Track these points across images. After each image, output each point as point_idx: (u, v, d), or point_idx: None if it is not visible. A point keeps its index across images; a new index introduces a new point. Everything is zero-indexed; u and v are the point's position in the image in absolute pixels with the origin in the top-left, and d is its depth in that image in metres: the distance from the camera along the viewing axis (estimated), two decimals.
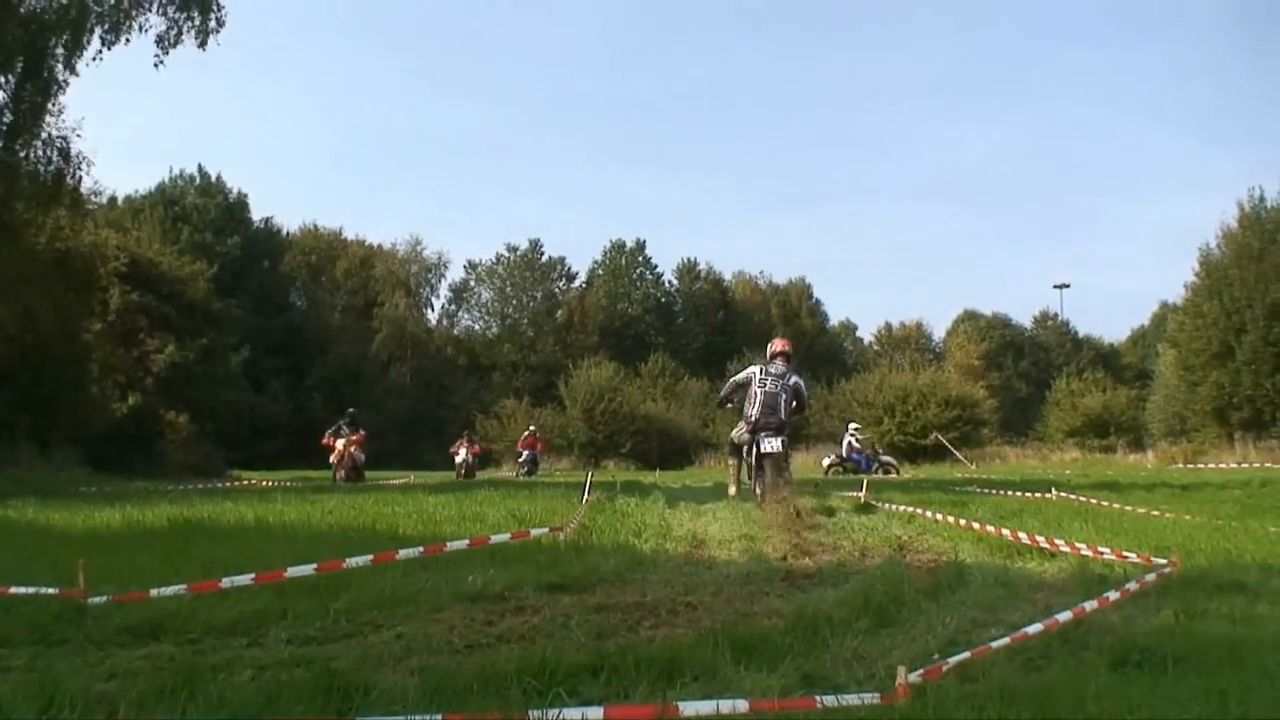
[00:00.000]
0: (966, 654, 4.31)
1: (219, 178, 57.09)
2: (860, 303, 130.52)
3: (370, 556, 6.26)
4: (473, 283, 62.64)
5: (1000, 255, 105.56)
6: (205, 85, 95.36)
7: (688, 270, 63.74)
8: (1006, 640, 4.53)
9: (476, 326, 62.68)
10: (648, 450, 41.25)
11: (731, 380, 12.37)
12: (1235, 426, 35.28)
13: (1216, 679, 4.19)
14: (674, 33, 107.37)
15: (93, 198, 27.20)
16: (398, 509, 11.34)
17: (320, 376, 52.88)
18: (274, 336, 52.08)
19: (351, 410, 25.25)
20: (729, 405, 12.56)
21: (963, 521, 9.40)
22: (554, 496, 12.71)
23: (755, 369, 11.70)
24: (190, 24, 21.06)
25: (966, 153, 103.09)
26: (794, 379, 11.61)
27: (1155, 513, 11.12)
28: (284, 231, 62.23)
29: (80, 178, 22.72)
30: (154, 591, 5.42)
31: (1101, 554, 7.32)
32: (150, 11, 20.83)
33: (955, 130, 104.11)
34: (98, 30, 20.73)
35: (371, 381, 54.51)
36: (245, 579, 5.60)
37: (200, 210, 54.35)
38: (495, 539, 7.41)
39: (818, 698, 3.71)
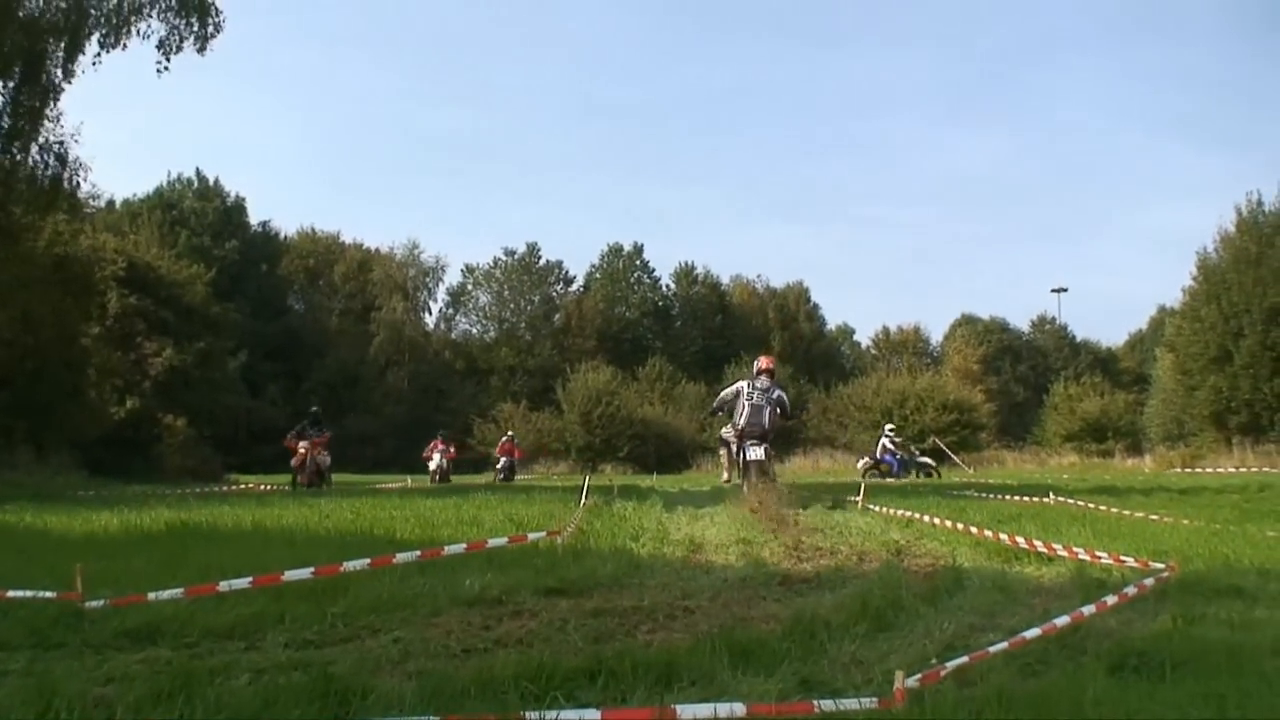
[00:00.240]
0: (964, 658, 4.31)
1: (217, 181, 57.11)
2: (858, 307, 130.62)
3: (367, 560, 6.26)
4: (470, 287, 62.59)
5: (997, 259, 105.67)
6: (203, 89, 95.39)
7: (685, 274, 63.72)
8: (1004, 645, 4.53)
9: (474, 330, 62.68)
10: (645, 454, 41.24)
11: (722, 394, 13.58)
12: (1233, 431, 35.32)
13: (1214, 684, 4.19)
14: (672, 38, 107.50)
15: (90, 202, 27.20)
16: (395, 513, 11.34)
17: (318, 380, 52.78)
18: (272, 340, 52.03)
19: (315, 409, 23.85)
20: (719, 414, 13.79)
21: (960, 526, 9.40)
22: (551, 501, 12.70)
23: (743, 384, 12.88)
24: (189, 29, 21.08)
25: (964, 157, 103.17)
26: (777, 392, 12.81)
27: (1153, 517, 11.13)
28: (282, 235, 62.21)
29: (78, 183, 22.73)
30: (151, 595, 5.41)
31: (1099, 558, 7.32)
32: (149, 17, 20.85)
33: (953, 135, 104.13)
34: (96, 35, 20.74)
35: (369, 386, 54.44)
36: (243, 583, 5.59)
37: (198, 214, 54.33)
38: (492, 543, 7.41)
39: (815, 702, 3.71)
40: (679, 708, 3.60)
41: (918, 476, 26.72)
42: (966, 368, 56.22)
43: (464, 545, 7.21)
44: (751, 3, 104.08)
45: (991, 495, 15.27)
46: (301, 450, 21.29)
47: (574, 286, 62.92)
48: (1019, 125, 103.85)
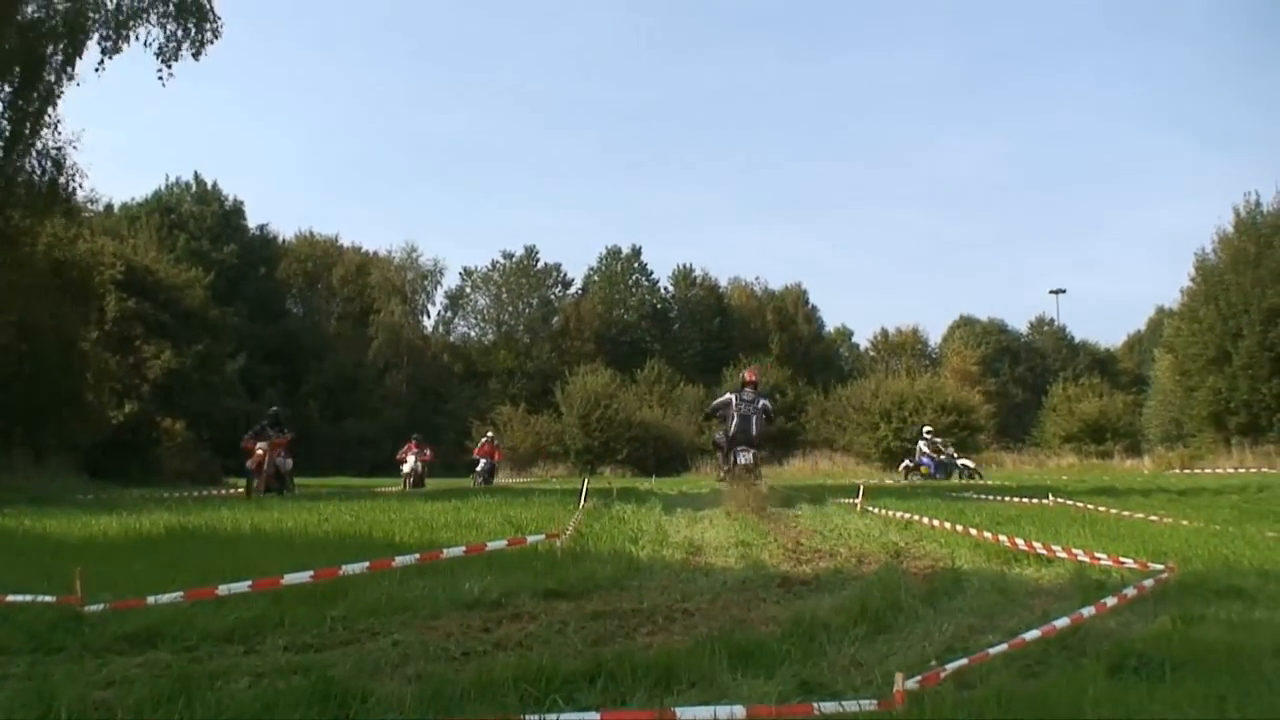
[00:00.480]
0: (964, 660, 4.32)
1: (215, 185, 57.05)
2: (856, 308, 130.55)
3: (366, 564, 6.26)
4: (468, 290, 62.54)
5: (996, 261, 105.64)
6: (201, 93, 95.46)
7: (683, 276, 63.67)
8: (1004, 646, 4.54)
9: (472, 333, 62.60)
10: (644, 457, 41.24)
11: (714, 403, 15.56)
12: (1232, 431, 35.33)
13: (1214, 684, 4.20)
14: (670, 40, 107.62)
15: (89, 206, 27.18)
16: (394, 516, 11.34)
17: (316, 384, 52.75)
18: (270, 344, 51.97)
19: (275, 409, 22.16)
20: (713, 419, 15.54)
21: (959, 528, 9.41)
22: (550, 503, 12.71)
23: (732, 395, 14.40)
24: (187, 35, 21.07)
25: (962, 158, 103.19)
26: (762, 402, 14.38)
27: (1152, 518, 11.16)
28: (280, 239, 62.17)
29: (74, 190, 22.73)
30: (151, 599, 5.41)
31: (1099, 560, 7.33)
32: (148, 21, 20.85)
33: (951, 137, 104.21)
34: (95, 38, 20.75)
35: (368, 389, 54.38)
36: (242, 586, 5.59)
37: (196, 218, 54.29)
38: (492, 546, 7.42)
39: (815, 704, 3.71)
40: (679, 710, 3.60)
41: (960, 478, 26.32)
42: (965, 369, 56.22)
43: (463, 548, 7.21)
44: (748, 3, 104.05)
45: (990, 497, 15.29)
46: (260, 452, 19.83)
47: (572, 289, 62.96)
48: (1017, 126, 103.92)
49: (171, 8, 20.97)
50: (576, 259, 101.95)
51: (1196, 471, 29.02)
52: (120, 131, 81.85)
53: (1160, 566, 6.79)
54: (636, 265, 63.28)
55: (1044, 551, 7.80)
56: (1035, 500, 13.88)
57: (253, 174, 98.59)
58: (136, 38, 20.91)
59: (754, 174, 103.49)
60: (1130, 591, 5.86)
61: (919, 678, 3.96)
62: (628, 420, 43.11)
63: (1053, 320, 70.12)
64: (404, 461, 26.93)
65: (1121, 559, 7.30)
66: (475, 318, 62.62)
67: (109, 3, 20.75)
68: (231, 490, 22.44)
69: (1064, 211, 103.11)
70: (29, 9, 20.30)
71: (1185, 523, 10.66)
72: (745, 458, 13.74)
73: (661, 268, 68.43)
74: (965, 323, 66.97)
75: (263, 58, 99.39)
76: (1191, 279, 37.99)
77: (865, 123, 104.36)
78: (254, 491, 19.11)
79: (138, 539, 9.46)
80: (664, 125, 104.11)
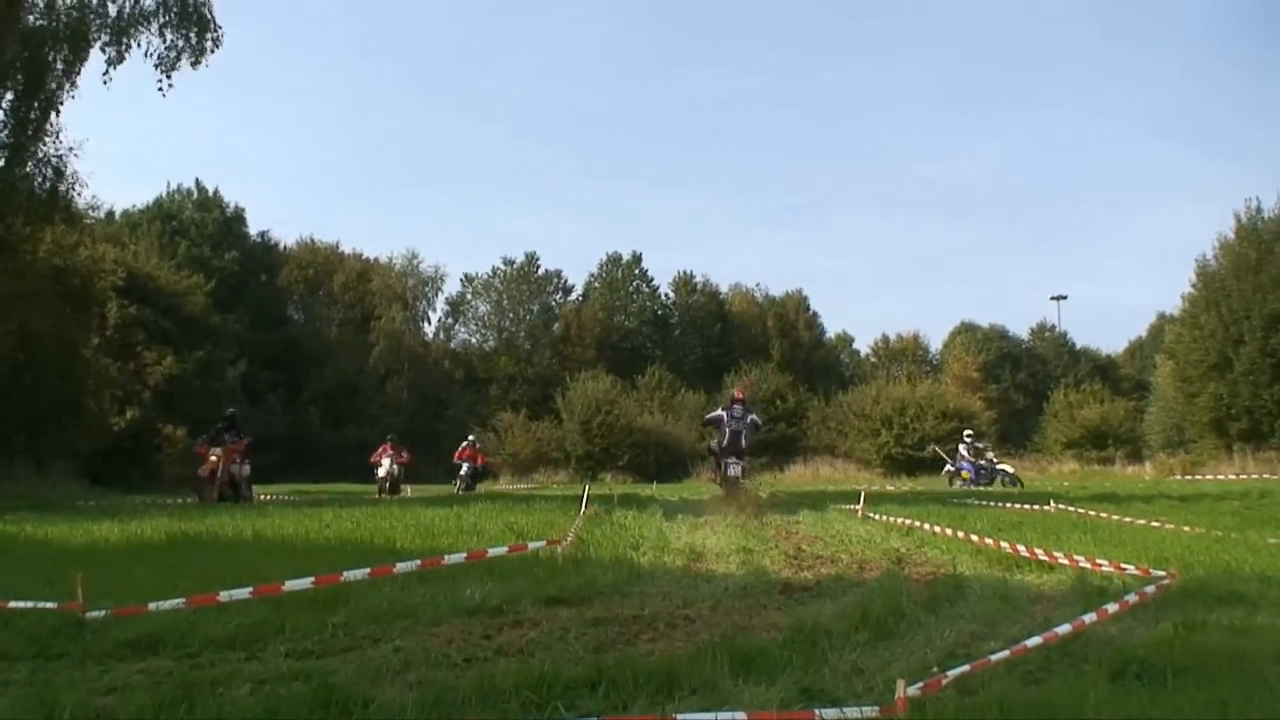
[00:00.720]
0: (966, 667, 4.32)
1: (216, 192, 57.12)
2: (857, 315, 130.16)
3: (368, 570, 6.26)
4: (469, 296, 62.54)
5: (997, 267, 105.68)
6: (202, 100, 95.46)
7: (684, 283, 63.71)
8: (1006, 653, 4.53)
9: (473, 340, 62.56)
10: (645, 463, 41.18)
11: (707, 417, 17.23)
12: (1233, 438, 35.28)
13: (1216, 690, 4.20)
14: (671, 45, 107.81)
15: (90, 213, 27.22)
16: (395, 522, 11.33)
17: (317, 390, 52.75)
18: (271, 350, 51.97)
19: (232, 411, 20.65)
20: (708, 428, 17.28)
21: (961, 534, 9.40)
22: (551, 509, 12.70)
23: (723, 412, 15.70)
24: (188, 44, 21.12)
25: (963, 165, 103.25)
26: (750, 417, 15.70)
27: (1154, 524, 11.14)
28: (281, 245, 62.21)
29: (72, 198, 22.77)
30: (152, 605, 5.41)
31: (1100, 566, 7.33)
32: (149, 29, 20.90)
33: (951, 143, 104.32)
34: (97, 46, 20.80)
35: (369, 395, 54.37)
36: (243, 593, 5.59)
37: (198, 225, 54.35)
38: (493, 552, 7.41)
39: (816, 711, 3.71)
40: (680, 716, 3.60)
41: (1002, 485, 25.89)
42: (966, 375, 56.17)
43: (464, 554, 7.20)
44: (749, 9, 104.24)
45: (992, 503, 15.28)
46: (213, 458, 18.49)
47: (573, 296, 62.98)
48: (1019, 132, 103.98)
49: (173, 16, 21.01)
50: (577, 266, 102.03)
51: (1198, 478, 28.97)
52: (121, 138, 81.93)
53: (1162, 573, 6.79)
54: (637, 271, 63.32)
55: (1045, 558, 7.79)
56: (1037, 506, 13.87)
57: (254, 181, 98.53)
58: (138, 45, 20.95)
59: (755, 180, 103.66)
60: (1132, 598, 5.86)
61: (920, 684, 3.95)
62: (629, 426, 43.02)
63: (1054, 326, 70.10)
64: (378, 465, 25.27)
65: (1123, 565, 7.29)
66: (476, 324, 62.65)
67: (110, 11, 20.79)
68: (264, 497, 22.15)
69: (1065, 217, 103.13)
70: (31, 17, 20.34)
71: (1187, 529, 10.64)
72: (734, 470, 15.06)
73: (662, 274, 68.54)
74: (966, 329, 66.97)
75: (263, 64, 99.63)
76: (1192, 285, 37.96)
77: (867, 128, 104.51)
78: (207, 498, 18.04)
79: (139, 545, 9.47)
80: (665, 131, 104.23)
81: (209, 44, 21.42)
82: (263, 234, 60.40)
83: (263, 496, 20.60)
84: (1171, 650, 4.75)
